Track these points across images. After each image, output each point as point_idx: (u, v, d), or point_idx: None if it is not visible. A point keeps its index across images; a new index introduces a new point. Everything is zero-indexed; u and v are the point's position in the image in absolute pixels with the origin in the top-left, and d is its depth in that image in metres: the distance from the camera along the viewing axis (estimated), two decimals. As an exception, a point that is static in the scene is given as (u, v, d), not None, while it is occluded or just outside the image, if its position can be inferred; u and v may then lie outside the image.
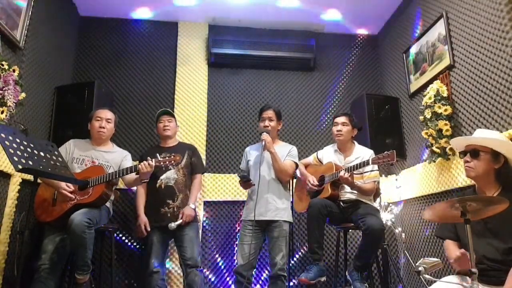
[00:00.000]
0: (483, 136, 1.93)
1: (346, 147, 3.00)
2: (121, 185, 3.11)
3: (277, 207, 2.85)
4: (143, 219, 2.93)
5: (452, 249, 1.93)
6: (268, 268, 3.10)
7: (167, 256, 3.28)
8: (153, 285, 2.82)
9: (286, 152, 3.00)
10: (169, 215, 2.90)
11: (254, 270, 2.97)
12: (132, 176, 2.75)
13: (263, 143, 2.87)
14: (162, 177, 2.97)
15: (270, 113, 2.99)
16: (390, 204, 3.80)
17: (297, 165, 3.02)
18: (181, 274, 3.48)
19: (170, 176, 2.99)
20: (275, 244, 2.78)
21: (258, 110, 3.17)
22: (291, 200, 3.05)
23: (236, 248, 3.57)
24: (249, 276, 2.79)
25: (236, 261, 2.88)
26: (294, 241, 3.55)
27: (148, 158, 2.62)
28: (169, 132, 3.11)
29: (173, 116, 3.20)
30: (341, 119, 2.98)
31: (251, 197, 2.96)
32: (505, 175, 1.86)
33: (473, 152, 1.88)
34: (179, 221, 2.86)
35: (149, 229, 2.90)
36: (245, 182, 2.87)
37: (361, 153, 2.94)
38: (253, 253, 2.80)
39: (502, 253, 1.75)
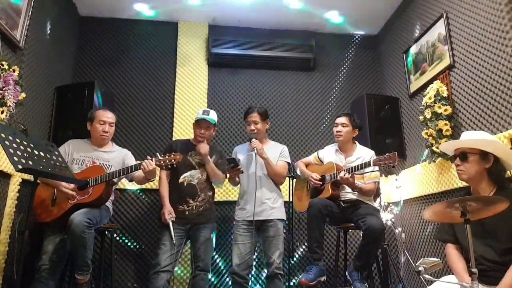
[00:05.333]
0: (469, 138, 1.94)
1: (347, 147, 3.00)
2: (121, 185, 3.11)
3: (272, 206, 2.86)
4: (168, 207, 2.82)
5: (454, 261, 1.94)
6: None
7: (179, 258, 3.04)
8: (157, 285, 2.63)
9: (277, 153, 3.00)
10: (187, 213, 2.83)
11: (251, 269, 2.95)
12: (141, 173, 2.72)
13: (255, 151, 2.84)
14: (185, 175, 2.90)
15: (254, 116, 2.97)
16: (390, 204, 3.80)
17: (289, 164, 3.04)
18: (184, 277, 3.51)
19: (194, 174, 2.92)
20: (271, 243, 2.78)
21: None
22: (283, 198, 3.02)
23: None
24: (246, 276, 2.79)
25: (232, 262, 2.85)
26: (294, 241, 3.55)
27: (148, 157, 2.62)
28: (202, 139, 2.97)
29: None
30: (341, 119, 2.97)
31: (243, 196, 2.95)
32: (497, 174, 1.87)
33: (461, 155, 1.90)
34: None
35: (173, 218, 2.78)
36: (233, 167, 2.82)
37: (362, 153, 2.94)
38: (248, 253, 2.80)
39: (500, 253, 1.76)
